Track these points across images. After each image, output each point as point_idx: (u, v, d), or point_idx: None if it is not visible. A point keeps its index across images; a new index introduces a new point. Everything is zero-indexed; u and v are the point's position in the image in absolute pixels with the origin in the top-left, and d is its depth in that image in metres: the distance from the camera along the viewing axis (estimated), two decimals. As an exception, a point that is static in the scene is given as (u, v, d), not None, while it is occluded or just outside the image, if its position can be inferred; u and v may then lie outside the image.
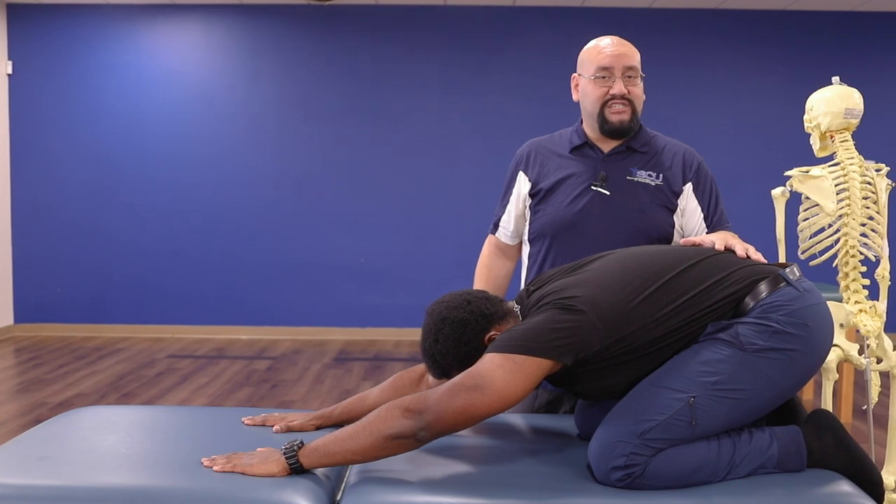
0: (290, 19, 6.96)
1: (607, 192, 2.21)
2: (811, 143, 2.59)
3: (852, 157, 2.49)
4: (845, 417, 4.37)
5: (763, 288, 1.68)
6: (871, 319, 2.40)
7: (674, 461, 1.62)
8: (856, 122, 2.52)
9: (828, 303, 2.39)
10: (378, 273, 6.96)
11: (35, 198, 7.09)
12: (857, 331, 2.44)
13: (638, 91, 2.22)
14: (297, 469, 1.62)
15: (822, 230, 2.51)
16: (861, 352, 2.44)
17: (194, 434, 1.88)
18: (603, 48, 2.22)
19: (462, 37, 6.90)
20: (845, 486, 1.64)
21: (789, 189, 2.56)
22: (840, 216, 2.45)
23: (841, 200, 2.45)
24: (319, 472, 1.66)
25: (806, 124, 2.57)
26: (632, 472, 1.59)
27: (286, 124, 7.04)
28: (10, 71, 7.00)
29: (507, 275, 2.47)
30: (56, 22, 6.99)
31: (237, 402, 4.86)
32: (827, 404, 2.38)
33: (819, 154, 2.59)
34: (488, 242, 2.47)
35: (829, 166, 2.51)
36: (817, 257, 2.50)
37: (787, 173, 2.55)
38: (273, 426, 1.93)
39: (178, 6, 6.96)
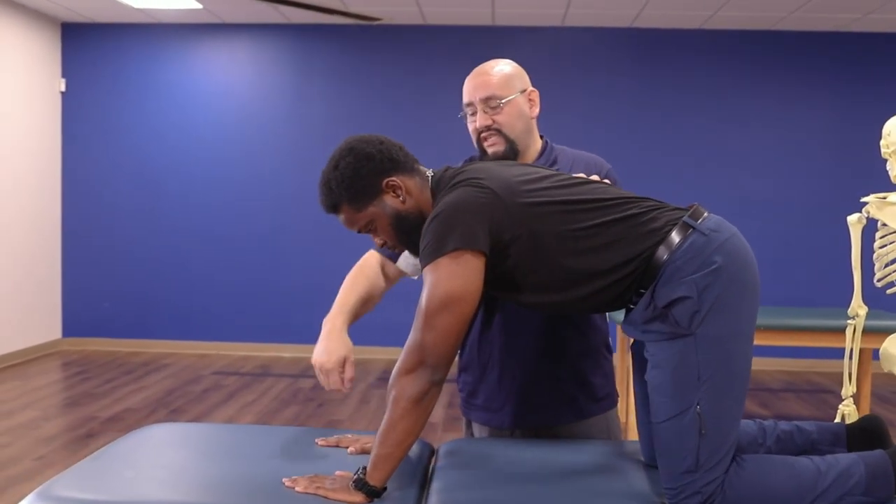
0: (338, 38, 7.02)
1: None
2: (888, 168, 2.52)
3: (930, 184, 2.43)
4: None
5: (674, 237, 1.65)
6: (949, 350, 2.34)
7: (754, 487, 1.59)
8: (934, 147, 2.46)
9: (905, 332, 2.36)
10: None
11: (84, 213, 7.20)
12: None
13: (504, 118, 2.13)
14: (373, 493, 1.61)
15: (899, 258, 2.45)
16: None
17: (270, 454, 1.87)
18: (466, 81, 2.19)
19: (511, 56, 6.90)
20: (939, 518, 1.59)
21: (866, 216, 2.51)
22: (918, 244, 2.40)
23: (919, 228, 2.39)
24: (398, 494, 1.65)
25: (882, 150, 2.51)
26: (713, 500, 1.57)
27: (332, 144, 7.01)
28: (63, 88, 7.14)
29: (382, 291, 2.28)
30: (108, 40, 7.12)
31: (285, 421, 4.86)
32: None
33: (896, 180, 2.53)
34: (373, 258, 2.30)
35: (907, 193, 2.45)
36: (894, 285, 2.45)
37: (864, 199, 2.50)
38: (348, 448, 1.93)
39: (227, 25, 7.05)
